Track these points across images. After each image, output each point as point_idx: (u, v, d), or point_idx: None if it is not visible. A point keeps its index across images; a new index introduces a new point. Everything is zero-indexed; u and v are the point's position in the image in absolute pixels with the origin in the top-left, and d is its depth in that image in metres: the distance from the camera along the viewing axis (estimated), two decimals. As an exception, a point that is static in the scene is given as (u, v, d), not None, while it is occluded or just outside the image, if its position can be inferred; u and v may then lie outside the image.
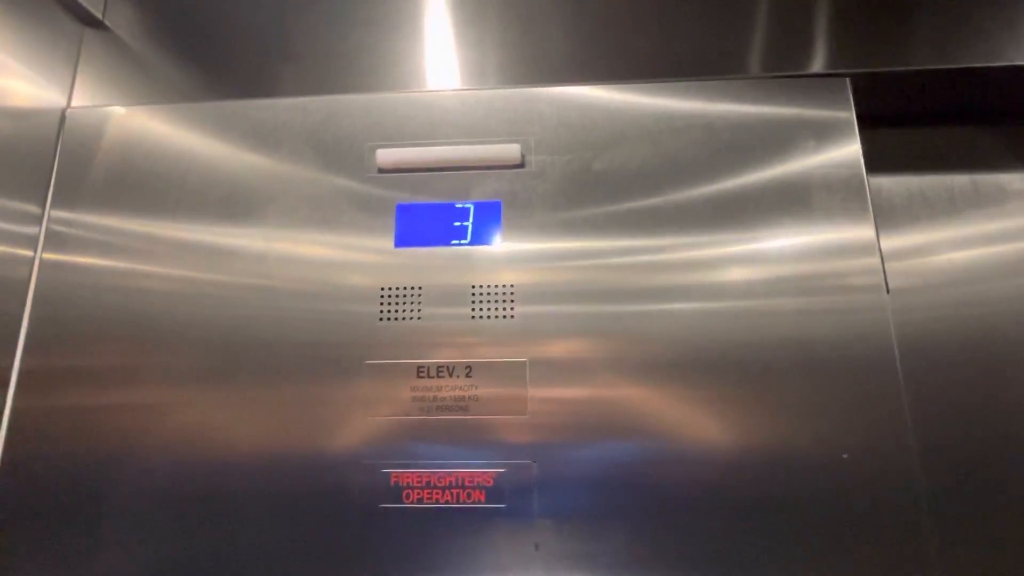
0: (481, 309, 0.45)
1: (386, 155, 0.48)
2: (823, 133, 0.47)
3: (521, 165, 0.48)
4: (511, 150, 0.47)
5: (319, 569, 0.41)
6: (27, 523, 0.43)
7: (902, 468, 0.40)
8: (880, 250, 0.45)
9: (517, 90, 0.50)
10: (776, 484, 0.40)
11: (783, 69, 0.50)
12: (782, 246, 0.45)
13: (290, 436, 0.43)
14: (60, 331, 0.46)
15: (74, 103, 0.53)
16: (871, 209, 0.45)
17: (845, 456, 0.40)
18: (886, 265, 0.44)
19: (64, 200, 0.50)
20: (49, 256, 0.48)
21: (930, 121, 0.57)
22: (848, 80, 0.48)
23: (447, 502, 0.41)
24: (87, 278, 0.47)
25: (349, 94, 0.51)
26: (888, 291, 0.44)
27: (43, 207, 0.50)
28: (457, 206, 0.47)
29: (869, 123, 0.47)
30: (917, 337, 0.51)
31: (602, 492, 0.41)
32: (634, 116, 0.48)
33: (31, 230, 0.49)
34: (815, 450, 0.41)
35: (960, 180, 0.56)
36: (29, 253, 0.48)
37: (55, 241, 0.49)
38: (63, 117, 0.52)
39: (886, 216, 0.55)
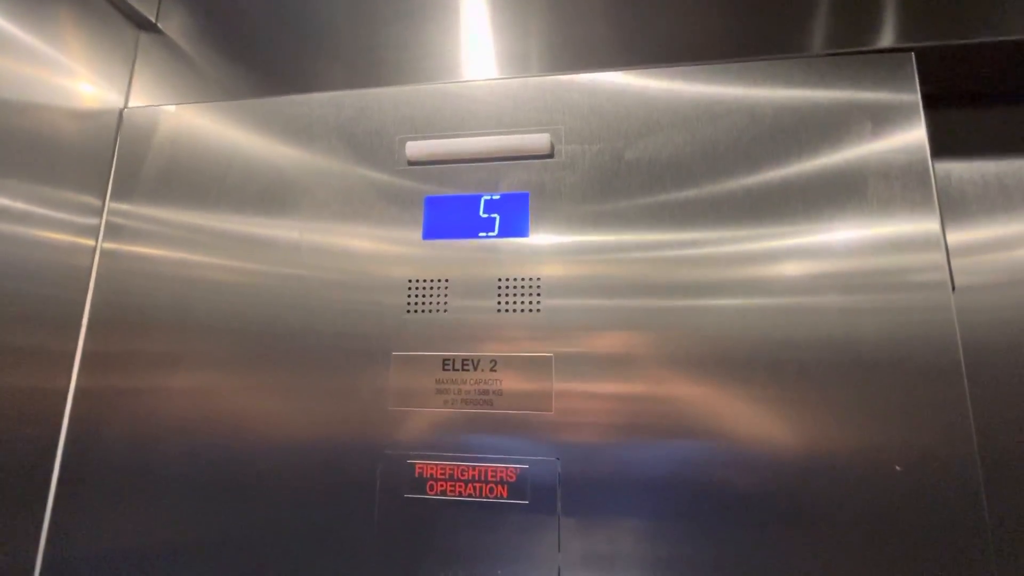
0: (507, 302, 0.44)
1: (415, 147, 0.48)
2: (882, 115, 0.43)
3: (550, 155, 0.46)
4: (540, 140, 0.46)
5: (345, 551, 0.42)
6: (88, 493, 0.46)
7: (965, 483, 0.36)
8: (946, 243, 0.40)
9: (547, 78, 0.49)
10: (818, 494, 0.38)
11: (837, 46, 0.46)
12: (831, 239, 0.42)
13: (319, 423, 0.44)
14: (117, 316, 0.50)
15: (131, 103, 0.57)
16: (936, 198, 0.41)
17: (898, 468, 0.37)
18: (954, 260, 0.40)
19: (121, 193, 0.53)
20: (108, 245, 0.52)
21: (1011, 100, 0.51)
22: (913, 55, 0.44)
23: (469, 495, 0.41)
24: (141, 266, 0.51)
25: (381, 87, 0.52)
26: (954, 288, 0.39)
27: (103, 200, 0.53)
28: (485, 198, 0.47)
29: (934, 103, 0.43)
30: (987, 339, 0.46)
31: (627, 492, 0.40)
32: (669, 102, 0.46)
33: (93, 221, 0.52)
34: (865, 459, 0.38)
35: (1047, 165, 0.50)
36: (91, 242, 0.52)
37: (113, 231, 0.52)
38: (121, 116, 0.56)
39: (955, 206, 0.50)
